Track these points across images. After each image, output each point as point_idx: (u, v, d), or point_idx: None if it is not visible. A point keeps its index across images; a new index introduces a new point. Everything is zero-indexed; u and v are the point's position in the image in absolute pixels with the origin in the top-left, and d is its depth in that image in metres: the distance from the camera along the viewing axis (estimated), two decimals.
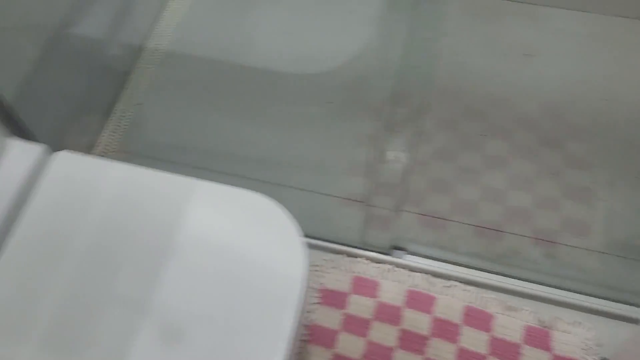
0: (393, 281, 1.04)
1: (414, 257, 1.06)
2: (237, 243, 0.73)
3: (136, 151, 1.22)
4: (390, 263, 1.05)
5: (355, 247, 1.07)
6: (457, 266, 1.04)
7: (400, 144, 1.12)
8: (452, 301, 1.02)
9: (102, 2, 1.17)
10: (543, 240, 1.06)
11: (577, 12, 1.27)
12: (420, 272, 1.04)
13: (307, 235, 1.07)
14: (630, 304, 0.97)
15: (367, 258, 1.06)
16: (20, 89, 0.96)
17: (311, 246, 1.08)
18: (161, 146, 1.24)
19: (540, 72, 1.22)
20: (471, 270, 1.03)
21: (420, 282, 1.04)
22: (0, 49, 0.91)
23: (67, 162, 0.81)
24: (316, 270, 1.05)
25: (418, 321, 1.00)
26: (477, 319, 1.00)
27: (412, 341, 0.99)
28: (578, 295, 0.99)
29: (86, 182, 0.78)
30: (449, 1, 1.31)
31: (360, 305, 1.03)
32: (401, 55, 1.25)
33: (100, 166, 0.80)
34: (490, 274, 1.03)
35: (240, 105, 1.26)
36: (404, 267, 1.05)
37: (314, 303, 1.03)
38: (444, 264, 1.04)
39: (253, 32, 1.34)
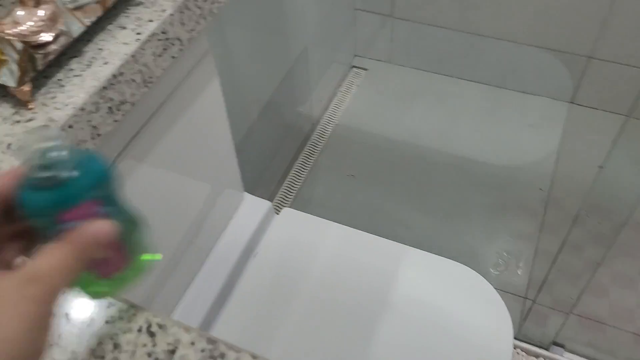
0: None
1: (573, 355, 1.08)
2: (447, 310, 0.80)
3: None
4: (548, 358, 1.08)
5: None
6: None
7: (556, 243, 1.18)
8: None
9: (290, 83, 1.35)
10: None
11: None
12: None
13: None
14: None
15: (524, 350, 1.10)
16: (239, 145, 1.12)
17: None
18: (323, 213, 1.35)
19: None
20: None
21: None
22: (236, 114, 1.08)
23: (290, 218, 0.92)
24: None
25: None
26: None
27: None
28: None
29: (308, 238, 0.89)
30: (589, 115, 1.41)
31: None
32: (561, 163, 1.34)
33: (320, 224, 0.91)
34: None
35: (401, 186, 1.37)
36: None
37: None
38: None
39: (414, 122, 1.48)
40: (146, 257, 0.37)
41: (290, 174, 1.41)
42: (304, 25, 1.28)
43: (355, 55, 1.66)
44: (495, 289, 1.20)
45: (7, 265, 0.33)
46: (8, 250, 0.33)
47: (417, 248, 0.87)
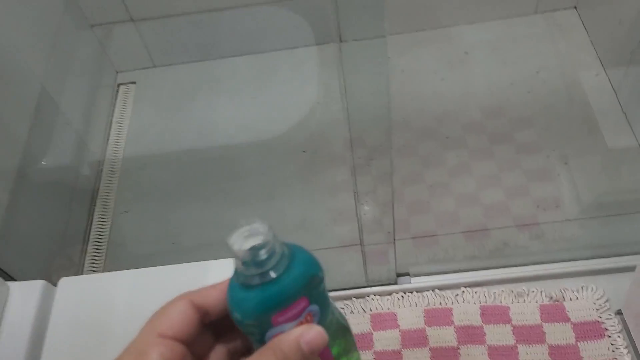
0: (408, 307, 1.08)
1: (419, 278, 1.10)
2: None
3: (123, 266, 1.22)
4: (399, 291, 1.09)
5: (361, 287, 1.10)
6: (460, 273, 1.09)
7: (372, 180, 1.18)
8: (467, 307, 1.06)
9: (42, 135, 1.20)
10: (525, 225, 1.13)
11: (480, 23, 1.43)
12: (429, 290, 1.08)
13: None
14: (623, 255, 1.04)
15: (377, 293, 1.10)
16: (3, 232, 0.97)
17: None
18: (148, 254, 1.24)
19: (470, 82, 1.35)
20: (474, 272, 1.08)
21: (432, 299, 1.08)
22: None
23: (71, 286, 0.81)
24: None
25: (443, 335, 1.03)
26: (495, 314, 1.04)
27: (444, 356, 1.01)
28: (575, 262, 1.06)
29: (97, 297, 0.79)
30: (371, 45, 1.44)
31: (386, 340, 1.05)
32: (346, 102, 1.34)
33: (105, 279, 0.82)
34: (491, 270, 1.08)
35: (211, 190, 1.30)
36: (412, 290, 1.09)
37: None
38: (447, 275, 1.09)
39: (201, 119, 1.40)
40: None
41: (93, 232, 1.27)
42: (27, 65, 1.13)
43: (118, 72, 1.53)
44: (334, 247, 1.20)
45: None
46: None
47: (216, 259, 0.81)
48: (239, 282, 0.30)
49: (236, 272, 0.30)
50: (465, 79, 1.36)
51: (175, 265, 0.80)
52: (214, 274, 0.78)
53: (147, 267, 0.80)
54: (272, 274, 0.29)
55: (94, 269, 1.22)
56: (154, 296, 0.77)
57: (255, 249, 0.29)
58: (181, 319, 0.31)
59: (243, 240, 0.29)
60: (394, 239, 1.03)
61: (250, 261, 0.29)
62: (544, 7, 1.41)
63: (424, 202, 1.19)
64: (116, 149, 1.39)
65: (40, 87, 1.16)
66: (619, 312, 1.01)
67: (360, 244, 1.06)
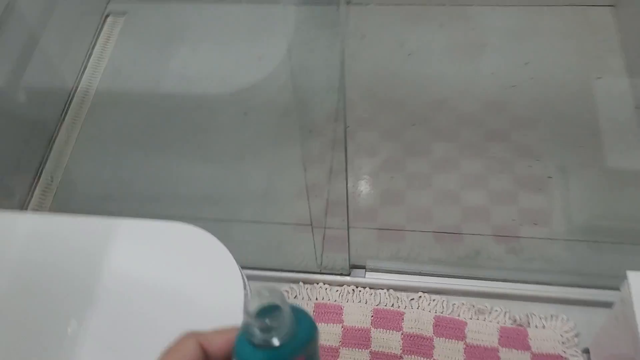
0: (357, 302, 0.98)
1: (375, 273, 1.00)
2: (168, 278, 0.66)
3: (72, 208, 1.15)
4: (351, 284, 0.99)
5: (313, 272, 1.01)
6: (421, 276, 0.98)
7: (343, 160, 1.08)
8: (420, 314, 0.96)
9: (17, 58, 1.12)
10: (504, 236, 1.02)
11: (498, 7, 1.28)
12: (383, 289, 0.98)
13: (260, 267, 1.02)
14: (602, 288, 0.92)
15: (326, 282, 1.00)
16: None
17: (265, 278, 1.02)
18: (98, 198, 1.17)
19: (474, 71, 1.21)
20: (436, 278, 0.98)
21: (385, 299, 0.98)
22: None
23: None
24: None
25: (388, 341, 0.94)
26: (449, 328, 0.94)
27: None
28: (548, 287, 0.94)
29: None
30: (374, 12, 1.31)
31: (326, 334, 0.96)
32: (331, 73, 1.23)
33: (6, 219, 0.73)
34: (455, 279, 0.97)
35: (175, 143, 1.21)
36: (366, 286, 0.99)
37: None
38: (406, 276, 0.99)
39: (184, 63, 1.30)
40: None
41: (47, 167, 1.19)
42: None
43: (109, 2, 1.43)
44: (291, 224, 1.10)
45: None
46: None
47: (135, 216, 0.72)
48: (248, 340, 0.32)
49: (247, 331, 0.32)
50: (470, 69, 1.22)
51: (86, 217, 0.72)
52: (122, 235, 0.70)
53: (59, 214, 0.72)
54: (282, 339, 0.32)
55: (39, 205, 1.15)
56: (53, 248, 0.69)
57: (269, 317, 0.31)
58: (193, 357, 0.34)
59: (259, 306, 0.31)
60: (348, 226, 0.93)
61: (264, 327, 0.31)
62: (578, 0, 1.26)
63: (399, 192, 1.08)
64: (90, 82, 1.31)
65: (6, 2, 1.07)
66: (586, 351, 0.90)
67: (311, 226, 0.96)
